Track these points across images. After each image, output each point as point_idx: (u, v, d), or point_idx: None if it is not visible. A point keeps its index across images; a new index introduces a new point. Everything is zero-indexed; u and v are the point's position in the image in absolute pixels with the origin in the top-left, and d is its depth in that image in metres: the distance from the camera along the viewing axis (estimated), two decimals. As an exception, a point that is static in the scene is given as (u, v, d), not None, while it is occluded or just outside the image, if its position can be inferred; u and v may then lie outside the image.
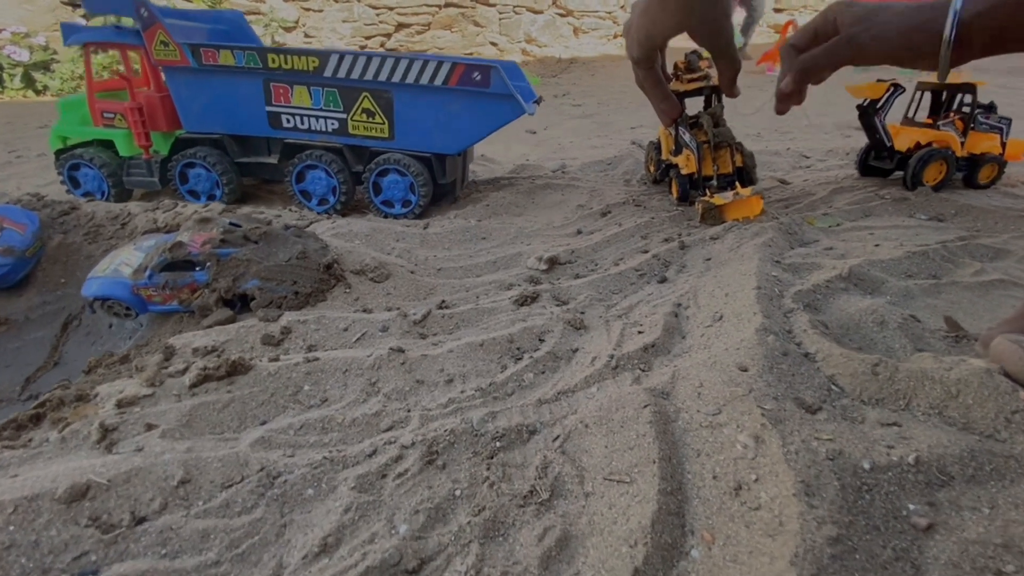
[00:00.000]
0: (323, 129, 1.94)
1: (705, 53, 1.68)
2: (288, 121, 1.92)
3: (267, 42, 6.48)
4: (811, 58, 0.89)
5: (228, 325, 1.12)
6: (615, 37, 9.20)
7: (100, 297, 1.21)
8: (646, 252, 1.63)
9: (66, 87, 5.52)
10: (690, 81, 1.82)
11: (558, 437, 0.90)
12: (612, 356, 1.06)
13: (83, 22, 2.07)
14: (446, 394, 1.00)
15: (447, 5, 7.82)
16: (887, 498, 0.72)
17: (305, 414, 0.92)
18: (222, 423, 0.88)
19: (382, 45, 7.55)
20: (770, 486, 0.73)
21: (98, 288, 1.21)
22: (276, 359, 1.01)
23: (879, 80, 2.03)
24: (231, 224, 1.24)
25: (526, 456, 0.88)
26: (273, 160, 1.98)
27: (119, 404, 0.85)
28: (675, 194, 1.90)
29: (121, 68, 1.87)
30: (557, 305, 1.34)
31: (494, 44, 8.37)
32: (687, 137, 1.81)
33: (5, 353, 1.38)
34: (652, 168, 2.17)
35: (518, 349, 1.16)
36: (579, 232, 1.81)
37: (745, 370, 0.96)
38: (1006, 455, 0.78)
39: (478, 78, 1.77)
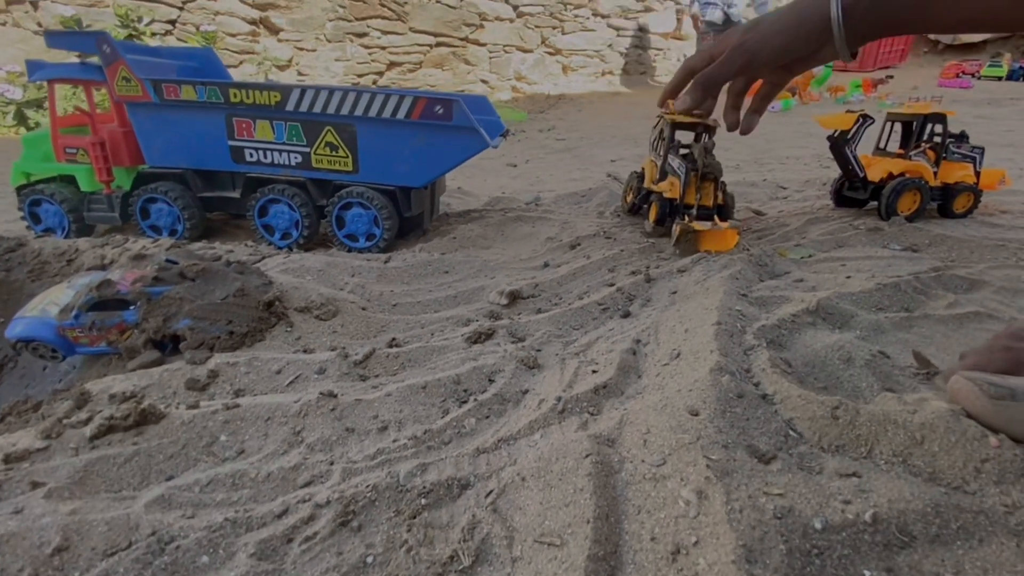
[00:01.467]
0: (286, 163, 1.92)
1: None
2: (251, 155, 1.91)
3: (261, 80, 6.61)
4: (707, 73, 0.94)
5: (152, 368, 1.05)
6: (602, 75, 9.44)
7: (23, 339, 1.15)
8: (612, 285, 1.58)
9: (57, 124, 5.57)
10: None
11: (491, 492, 0.83)
12: (560, 399, 0.99)
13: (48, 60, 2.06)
14: (376, 443, 0.93)
15: (438, 44, 8.04)
16: (840, 563, 0.65)
17: (217, 468, 0.85)
18: (121, 479, 0.81)
19: (374, 83, 7.72)
20: (710, 550, 0.65)
21: (22, 329, 1.15)
22: (195, 406, 0.94)
23: (848, 111, 2.03)
24: (168, 261, 1.19)
25: (453, 515, 0.80)
26: (236, 194, 1.96)
27: (7, 459, 0.78)
28: (652, 217, 1.87)
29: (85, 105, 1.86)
30: (512, 342, 1.28)
31: (484, 81, 8.56)
32: (676, 163, 1.79)
33: (-70, 398, 1.30)
34: (630, 197, 2.14)
35: (464, 391, 1.09)
36: (546, 265, 1.76)
37: (696, 414, 0.89)
38: (975, 510, 0.70)
39: (440, 111, 1.76)
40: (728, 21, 6.97)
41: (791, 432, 0.89)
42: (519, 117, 6.32)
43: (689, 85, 1.15)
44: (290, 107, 1.80)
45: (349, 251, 1.92)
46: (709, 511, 0.71)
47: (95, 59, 1.86)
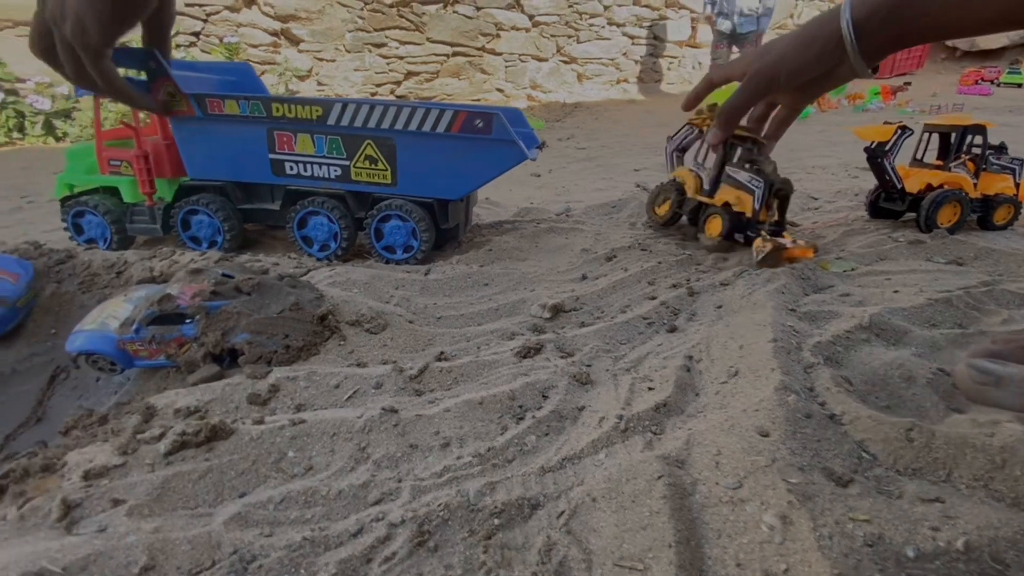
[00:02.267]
0: (326, 176, 1.94)
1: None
2: (291, 168, 1.93)
3: (281, 90, 6.71)
4: (727, 107, 0.97)
5: (214, 383, 1.06)
6: (617, 83, 9.46)
7: (84, 352, 1.16)
8: (654, 299, 1.57)
9: (85, 133, 5.69)
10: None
11: (563, 513, 0.82)
12: (621, 417, 0.99)
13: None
14: (441, 461, 0.93)
15: (455, 54, 8.11)
16: (939, 595, 0.63)
17: (287, 485, 0.85)
18: (196, 496, 0.81)
19: (392, 92, 7.80)
20: (803, 579, 0.64)
21: (83, 342, 1.16)
22: (260, 421, 0.95)
23: (886, 123, 2.02)
24: (224, 275, 1.21)
25: (527, 536, 0.79)
26: (276, 206, 1.98)
27: (86, 476, 0.79)
28: (715, 231, 1.83)
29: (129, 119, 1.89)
30: (562, 357, 1.28)
31: (500, 90, 8.62)
32: (743, 176, 1.78)
33: (-13, 408, 1.33)
34: (664, 209, 2.11)
35: (520, 407, 1.09)
36: (584, 277, 1.76)
37: (766, 435, 0.89)
38: (1068, 539, 0.69)
39: (480, 125, 1.77)
40: (735, 32, 6.96)
41: (864, 454, 0.88)
42: (537, 126, 6.35)
43: (714, 121, 1.19)
44: (331, 121, 1.82)
45: (387, 263, 1.93)
46: (796, 537, 0.70)
47: (140, 74, 1.90)
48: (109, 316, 1.18)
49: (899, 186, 2.04)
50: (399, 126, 1.79)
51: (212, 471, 0.85)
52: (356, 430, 0.96)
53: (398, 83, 7.91)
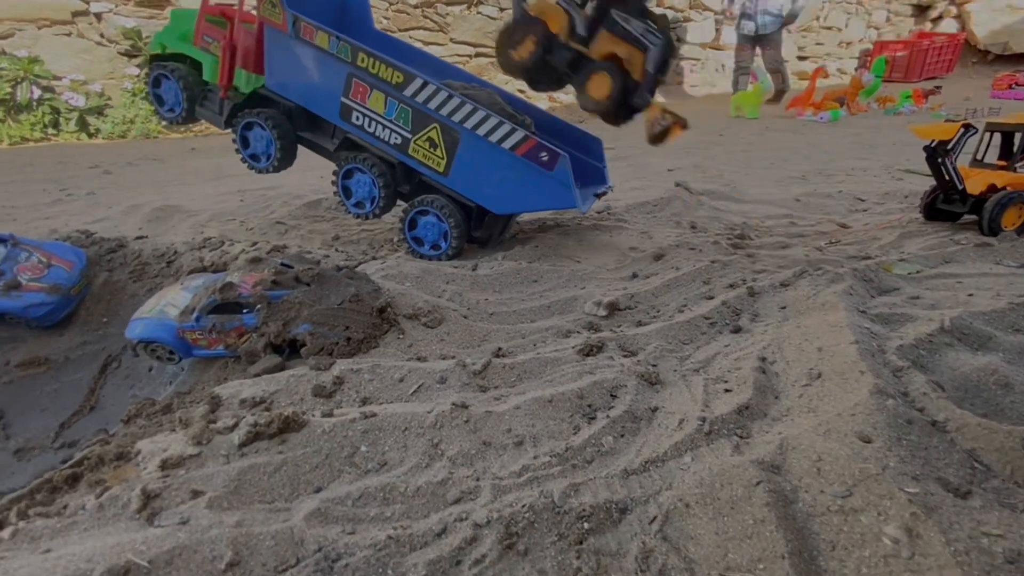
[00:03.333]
0: (386, 139, 1.90)
1: None
2: (357, 119, 1.90)
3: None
4: None
5: (277, 373, 1.03)
6: (640, 84, 9.36)
7: (144, 340, 1.14)
8: (711, 298, 1.52)
9: (117, 130, 5.78)
10: None
11: (655, 519, 0.77)
12: (704, 419, 0.94)
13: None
14: (517, 459, 0.89)
15: (477, 55, 8.11)
16: (1099, 620, 0.57)
17: (363, 480, 0.81)
18: (273, 490, 0.78)
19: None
20: (944, 598, 0.59)
21: (142, 330, 1.14)
22: (330, 414, 0.92)
23: (948, 120, 1.94)
24: (283, 264, 1.18)
25: (620, 542, 0.75)
26: (331, 147, 1.98)
27: (163, 466, 0.76)
28: (602, 93, 1.68)
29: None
30: (625, 356, 1.23)
31: (521, 92, 8.60)
32: (636, 27, 1.62)
33: (42, 396, 1.31)
34: (523, 52, 1.79)
35: (589, 406, 1.04)
36: (635, 276, 1.71)
37: (868, 441, 0.83)
38: None
39: (544, 158, 1.73)
40: (758, 34, 6.80)
41: (976, 464, 0.82)
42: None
43: None
44: (408, 92, 1.79)
45: (409, 251, 1.91)
46: (927, 552, 0.64)
47: None
48: (168, 304, 1.17)
49: (960, 187, 1.96)
50: (470, 124, 1.76)
51: (286, 464, 0.81)
52: (427, 425, 0.92)
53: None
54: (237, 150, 1.97)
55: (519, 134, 1.70)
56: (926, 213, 2.14)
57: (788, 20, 6.89)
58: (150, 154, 4.71)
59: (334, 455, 0.85)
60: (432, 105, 1.74)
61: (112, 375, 1.37)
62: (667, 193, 2.54)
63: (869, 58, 9.73)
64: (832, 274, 1.55)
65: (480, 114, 1.72)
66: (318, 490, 0.80)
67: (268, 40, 1.85)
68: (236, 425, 0.84)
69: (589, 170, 1.84)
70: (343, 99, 1.85)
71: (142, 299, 1.47)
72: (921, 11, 11.60)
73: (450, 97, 1.72)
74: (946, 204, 2.06)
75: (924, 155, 1.98)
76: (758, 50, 7.20)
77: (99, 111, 6.04)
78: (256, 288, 1.11)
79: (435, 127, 1.78)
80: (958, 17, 11.04)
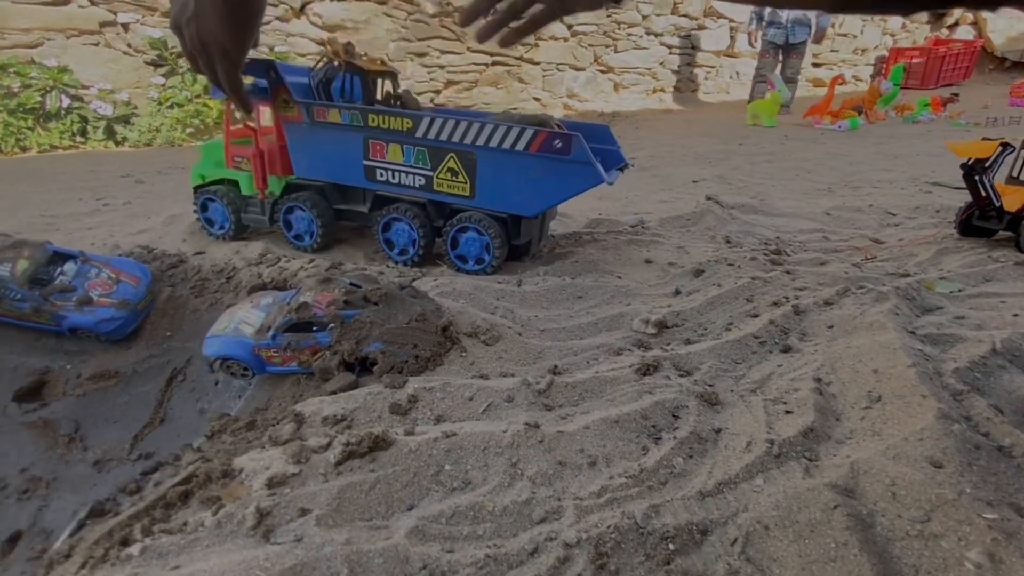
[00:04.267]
0: (411, 184, 1.98)
1: None
2: (381, 175, 1.98)
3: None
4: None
5: (353, 391, 1.07)
6: (654, 92, 9.42)
7: (222, 356, 1.19)
8: (756, 316, 1.54)
9: (143, 139, 5.90)
10: None
11: (736, 540, 0.81)
12: (772, 442, 0.97)
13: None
14: (594, 480, 0.92)
15: (494, 64, 8.19)
16: None
17: (451, 499, 0.85)
18: (370, 507, 0.82)
19: (432, 101, 7.90)
20: (1037, 625, 0.61)
21: (219, 348, 1.19)
22: (412, 432, 0.96)
23: (985, 139, 1.96)
24: (351, 284, 1.23)
25: (706, 563, 0.78)
26: (365, 209, 2.06)
27: (269, 484, 0.80)
28: None
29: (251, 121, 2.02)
30: (681, 375, 1.26)
31: (537, 99, 8.67)
32: None
33: (114, 408, 1.37)
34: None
35: (653, 427, 1.08)
36: (677, 292, 1.74)
37: (939, 466, 0.86)
38: None
39: (559, 145, 1.78)
40: (788, 42, 6.86)
41: (1047, 490, 0.84)
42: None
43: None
44: (419, 134, 1.86)
45: (458, 271, 1.96)
46: (1014, 578, 0.67)
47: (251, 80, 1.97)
48: (241, 322, 1.21)
49: (997, 204, 1.98)
50: (481, 142, 1.82)
51: (380, 482, 0.85)
52: (505, 445, 0.96)
53: (438, 92, 8.01)
54: (283, 234, 2.11)
55: (529, 132, 1.75)
56: (961, 229, 2.15)
57: (818, 36, 6.88)
58: (177, 163, 4.80)
59: (421, 473, 0.89)
60: (443, 136, 1.82)
61: (178, 388, 1.42)
62: (698, 207, 2.57)
63: (885, 65, 9.71)
64: (876, 292, 1.57)
65: (488, 128, 1.77)
66: (410, 508, 0.84)
67: (289, 136, 2.00)
68: (330, 444, 0.89)
69: (606, 154, 1.89)
70: (365, 162, 1.96)
71: (204, 314, 1.52)
72: (937, 17, 11.56)
73: (457, 123, 1.79)
74: (982, 220, 2.08)
75: (961, 172, 2.00)
76: (781, 57, 7.19)
77: (126, 120, 6.17)
78: (329, 308, 1.16)
79: (451, 156, 1.86)
80: (974, 23, 10.98)
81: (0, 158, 5.13)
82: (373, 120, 1.86)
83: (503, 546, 0.78)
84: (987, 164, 1.93)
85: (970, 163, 1.96)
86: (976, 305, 1.57)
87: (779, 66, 7.06)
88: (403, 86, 2.45)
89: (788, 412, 1.09)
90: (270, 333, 1.17)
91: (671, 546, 0.79)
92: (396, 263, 2.01)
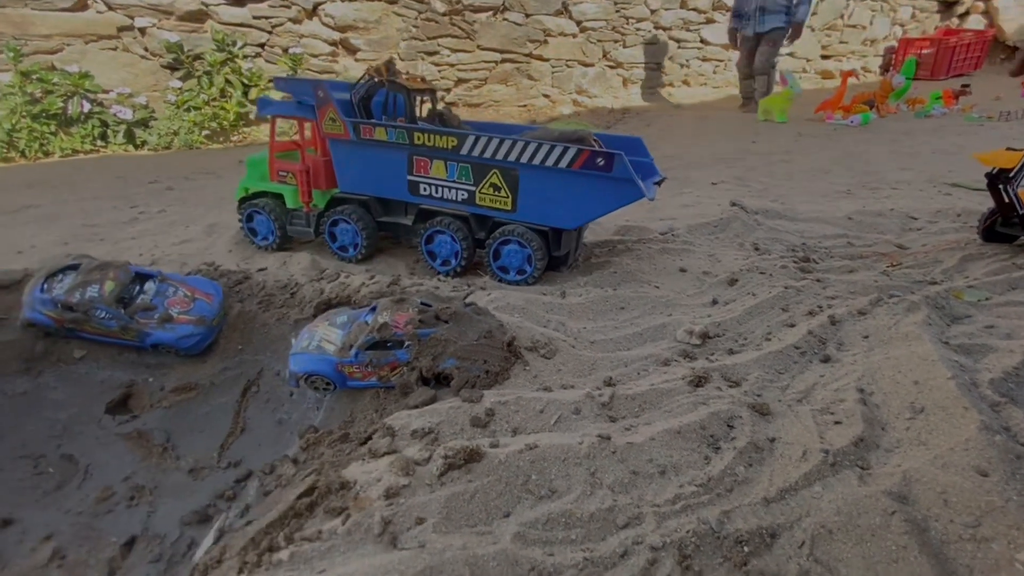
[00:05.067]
0: (454, 199, 2.06)
1: None
2: (425, 189, 2.06)
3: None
4: None
5: (435, 405, 1.17)
6: (663, 87, 9.44)
7: (309, 373, 1.29)
8: (793, 326, 1.63)
9: (162, 142, 5.99)
10: None
11: (803, 543, 0.90)
12: (827, 452, 1.06)
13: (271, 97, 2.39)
14: (666, 488, 1.01)
15: (503, 61, 8.22)
16: None
17: (541, 506, 0.95)
18: (473, 515, 0.92)
19: (442, 100, 7.95)
20: (1084, 619, 0.70)
21: (305, 364, 1.29)
22: (497, 445, 1.05)
23: (1009, 148, 2.02)
24: (423, 304, 1.32)
25: (779, 563, 0.87)
26: (408, 221, 2.14)
27: (387, 495, 0.90)
28: None
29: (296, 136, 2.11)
30: (730, 386, 1.35)
31: (546, 96, 8.70)
32: None
33: (197, 418, 1.46)
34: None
35: (711, 436, 1.17)
36: (715, 302, 1.82)
37: (986, 475, 0.94)
38: None
39: (601, 163, 1.85)
40: (756, 32, 6.57)
41: (1084, 497, 0.93)
42: (582, 127, 6.36)
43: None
44: (464, 151, 1.94)
45: (499, 281, 2.04)
46: (1061, 578, 0.76)
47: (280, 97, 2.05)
48: (323, 340, 1.31)
49: (1020, 212, 2.04)
50: (524, 159, 1.90)
51: (478, 492, 0.95)
52: (582, 456, 1.05)
53: (448, 90, 8.05)
54: (328, 245, 2.20)
55: (572, 151, 1.83)
56: (984, 235, 2.22)
57: (795, 31, 6.58)
58: (201, 167, 4.89)
59: (511, 483, 0.98)
60: (487, 154, 1.90)
61: (253, 398, 1.51)
62: (724, 213, 2.65)
63: (894, 56, 9.66)
64: (908, 303, 1.65)
65: (532, 146, 1.85)
66: (507, 515, 0.93)
67: (335, 152, 2.08)
68: (430, 458, 0.98)
69: (640, 167, 1.97)
70: (409, 177, 2.05)
71: (272, 328, 1.61)
72: (947, 7, 11.42)
73: (501, 141, 1.87)
74: (1005, 227, 2.15)
75: (985, 180, 2.07)
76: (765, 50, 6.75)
77: (144, 123, 6.25)
78: (407, 327, 1.25)
79: (495, 172, 1.94)
80: (986, 13, 10.89)
81: (24, 163, 5.22)
82: (419, 138, 1.94)
83: (595, 549, 0.88)
84: (1011, 175, 2.00)
85: (994, 172, 2.03)
86: (1003, 314, 1.65)
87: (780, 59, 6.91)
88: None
89: (837, 423, 1.18)
90: (352, 351, 1.26)
91: (745, 548, 0.89)
92: (440, 273, 2.09)
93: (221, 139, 6.31)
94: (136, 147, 6.21)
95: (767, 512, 0.96)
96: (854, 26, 10.63)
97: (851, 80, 6.89)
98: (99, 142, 6.07)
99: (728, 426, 1.20)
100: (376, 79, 2.09)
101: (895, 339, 1.48)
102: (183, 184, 4.24)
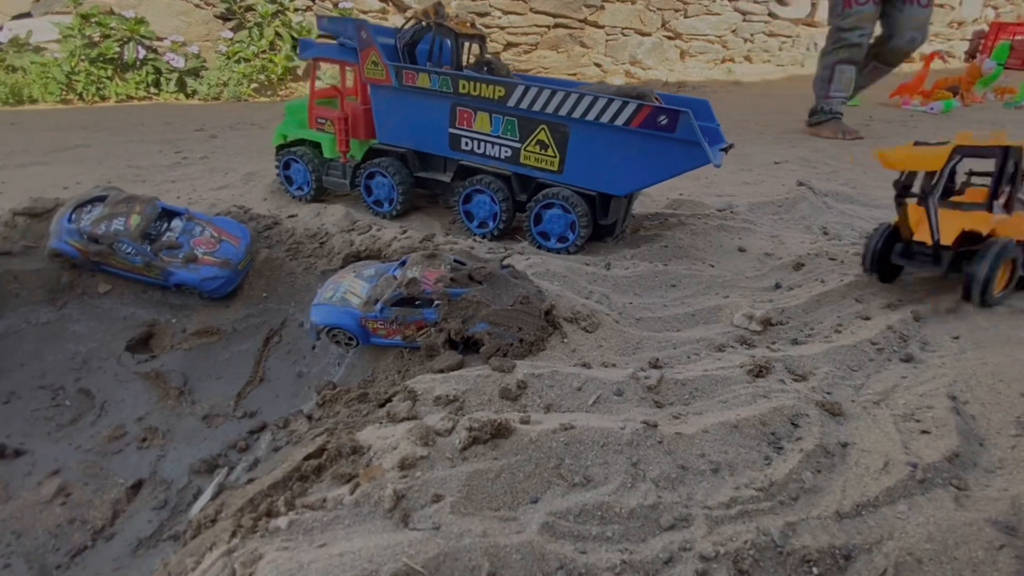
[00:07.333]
0: (496, 156, 1.92)
1: None
2: (466, 144, 1.93)
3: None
4: None
5: (462, 371, 1.06)
6: (723, 62, 8.89)
7: (331, 326, 1.20)
8: (868, 319, 1.44)
9: (212, 92, 6.01)
10: None
11: (885, 571, 0.75)
12: (915, 465, 0.90)
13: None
14: (719, 488, 0.88)
15: (556, 26, 7.87)
16: None
17: (574, 495, 0.83)
18: (496, 497, 0.81)
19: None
20: None
21: (328, 316, 1.20)
22: (527, 421, 0.94)
23: (919, 143, 1.53)
24: (456, 261, 1.20)
25: (855, 591, 0.73)
26: (447, 178, 2.02)
27: (402, 466, 0.80)
28: None
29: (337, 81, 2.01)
30: (795, 380, 1.19)
31: (598, 65, 8.31)
32: None
33: (216, 364, 1.42)
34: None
35: (773, 434, 1.02)
36: (777, 286, 1.64)
37: (1121, 513, 0.77)
38: None
39: (664, 122, 1.66)
40: None
41: None
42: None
43: None
44: (511, 103, 1.78)
45: (539, 247, 1.90)
46: None
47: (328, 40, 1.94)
48: (347, 292, 1.21)
49: (936, 238, 1.74)
50: (576, 114, 1.72)
51: (504, 471, 0.84)
52: (624, 443, 0.92)
53: (496, 54, 7.79)
54: (363, 199, 2.10)
55: (632, 106, 1.63)
56: (876, 269, 1.87)
57: None
58: (246, 118, 4.88)
59: (542, 465, 0.87)
60: (536, 107, 1.73)
61: (274, 348, 1.45)
62: (789, 192, 2.41)
63: (984, 41, 8.78)
64: (1007, 307, 1.43)
65: (586, 100, 1.66)
66: (535, 500, 0.82)
67: (375, 99, 1.96)
68: (454, 428, 0.87)
69: (706, 132, 1.76)
70: (451, 130, 1.91)
71: (299, 277, 1.54)
72: (1049, -15, 10.25)
73: (553, 93, 1.69)
74: (904, 258, 1.82)
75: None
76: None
77: (195, 73, 6.28)
78: (437, 285, 1.14)
79: (543, 128, 1.77)
80: (1098, -4, 9.72)
81: (81, 106, 5.34)
82: (464, 86, 1.79)
83: (635, 552, 0.76)
84: (934, 181, 1.64)
85: (904, 178, 1.54)
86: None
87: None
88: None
89: (924, 432, 1.01)
90: (378, 306, 1.16)
91: (815, 570, 0.75)
92: (476, 235, 1.97)
93: (269, 93, 6.30)
94: (187, 96, 6.26)
95: (840, 529, 0.82)
96: (941, 5, 9.69)
97: (934, 64, 6.25)
98: (152, 89, 6.14)
99: (793, 424, 1.05)
100: (423, 22, 1.94)
101: (993, 342, 1.27)
102: (227, 133, 4.24)
